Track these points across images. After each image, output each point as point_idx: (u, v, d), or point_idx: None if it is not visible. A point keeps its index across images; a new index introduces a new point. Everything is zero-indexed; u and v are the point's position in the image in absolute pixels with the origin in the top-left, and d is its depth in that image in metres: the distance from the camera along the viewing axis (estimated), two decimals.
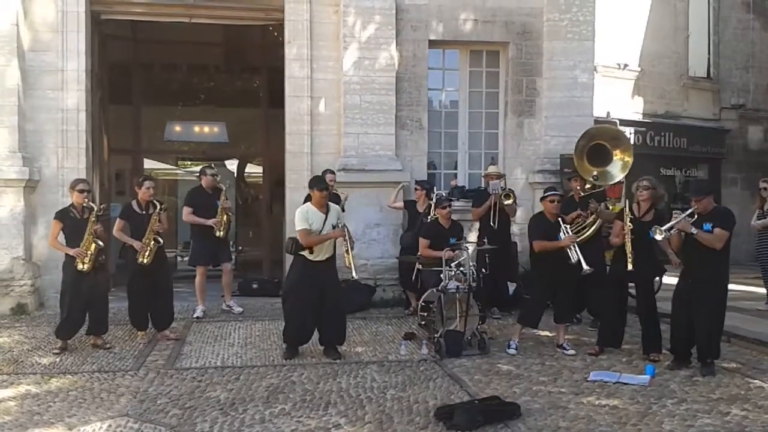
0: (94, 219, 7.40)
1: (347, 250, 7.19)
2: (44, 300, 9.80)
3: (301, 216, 7.08)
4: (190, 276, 11.44)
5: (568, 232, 7.42)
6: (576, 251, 7.27)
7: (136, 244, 7.75)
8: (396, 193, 10.09)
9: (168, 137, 15.66)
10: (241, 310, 9.53)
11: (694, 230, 6.52)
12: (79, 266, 7.31)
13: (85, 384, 6.27)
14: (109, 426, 5.19)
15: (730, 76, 16.62)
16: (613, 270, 7.42)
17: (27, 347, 7.65)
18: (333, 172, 9.61)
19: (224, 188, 9.58)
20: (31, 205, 9.82)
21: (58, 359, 7.13)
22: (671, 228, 6.61)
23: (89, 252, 7.31)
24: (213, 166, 10.29)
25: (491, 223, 9.19)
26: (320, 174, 9.11)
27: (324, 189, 7.23)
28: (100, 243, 7.43)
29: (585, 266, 7.20)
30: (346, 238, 7.16)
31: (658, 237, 6.60)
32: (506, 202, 9.13)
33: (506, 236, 9.56)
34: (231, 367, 6.94)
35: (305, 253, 7.06)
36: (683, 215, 6.62)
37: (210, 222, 9.17)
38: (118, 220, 8.10)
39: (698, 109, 16.26)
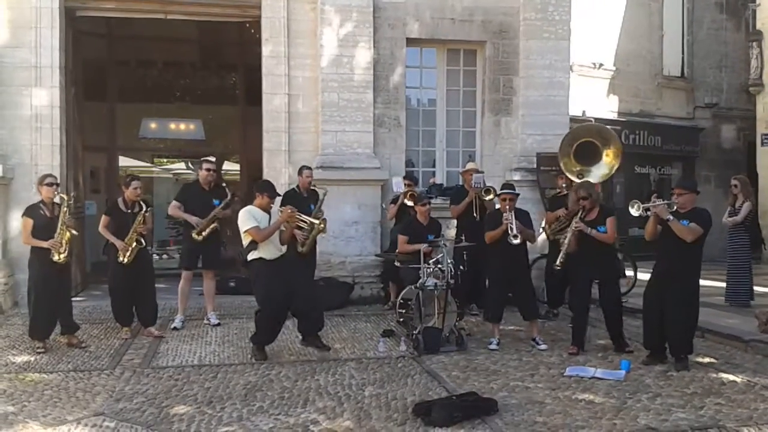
0: (65, 209, 7.29)
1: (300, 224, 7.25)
2: (18, 299, 9.65)
3: (247, 216, 6.91)
4: (164, 275, 11.34)
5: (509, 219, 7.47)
6: (513, 225, 7.35)
7: (119, 244, 7.71)
8: (391, 209, 9.92)
9: (143, 134, 15.50)
10: (217, 322, 8.63)
11: (669, 216, 6.56)
12: (55, 257, 7.16)
13: (60, 383, 6.20)
14: (85, 425, 5.14)
15: (703, 75, 16.85)
16: (581, 270, 7.45)
17: (0, 346, 7.54)
18: (309, 168, 9.52)
19: (228, 196, 8.55)
20: (4, 202, 9.67)
21: (32, 358, 7.04)
22: (648, 209, 6.67)
23: (64, 241, 7.21)
24: (212, 159, 9.63)
25: (474, 215, 9.08)
26: (298, 168, 9.33)
27: (274, 197, 7.17)
28: (75, 231, 7.37)
29: (512, 234, 7.32)
30: (297, 214, 7.17)
31: (635, 212, 6.68)
32: (486, 198, 9.06)
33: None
34: (208, 365, 6.90)
35: (263, 254, 6.93)
36: (663, 202, 6.69)
37: (193, 220, 8.30)
38: (103, 216, 8.05)
39: (672, 108, 16.47)
